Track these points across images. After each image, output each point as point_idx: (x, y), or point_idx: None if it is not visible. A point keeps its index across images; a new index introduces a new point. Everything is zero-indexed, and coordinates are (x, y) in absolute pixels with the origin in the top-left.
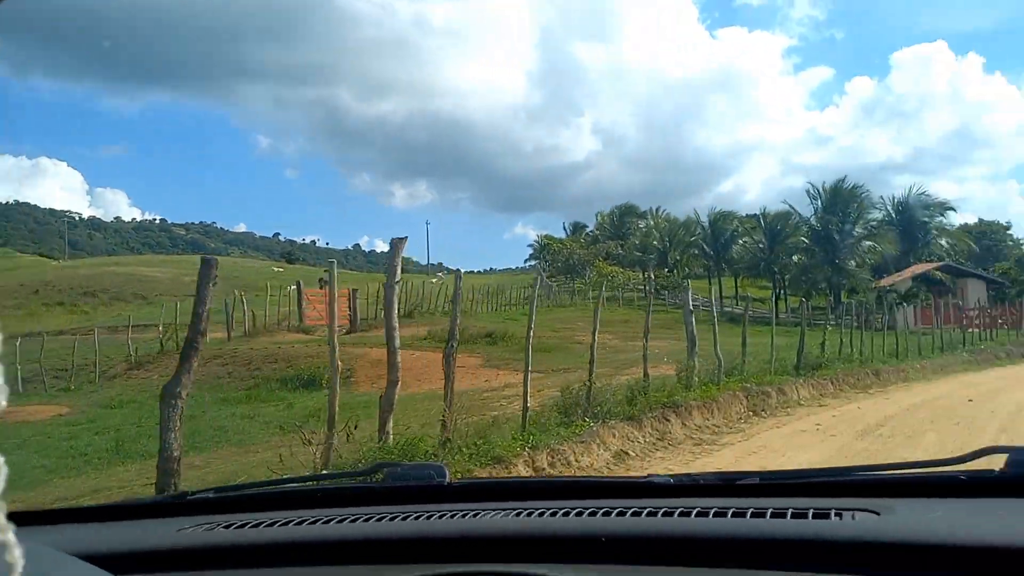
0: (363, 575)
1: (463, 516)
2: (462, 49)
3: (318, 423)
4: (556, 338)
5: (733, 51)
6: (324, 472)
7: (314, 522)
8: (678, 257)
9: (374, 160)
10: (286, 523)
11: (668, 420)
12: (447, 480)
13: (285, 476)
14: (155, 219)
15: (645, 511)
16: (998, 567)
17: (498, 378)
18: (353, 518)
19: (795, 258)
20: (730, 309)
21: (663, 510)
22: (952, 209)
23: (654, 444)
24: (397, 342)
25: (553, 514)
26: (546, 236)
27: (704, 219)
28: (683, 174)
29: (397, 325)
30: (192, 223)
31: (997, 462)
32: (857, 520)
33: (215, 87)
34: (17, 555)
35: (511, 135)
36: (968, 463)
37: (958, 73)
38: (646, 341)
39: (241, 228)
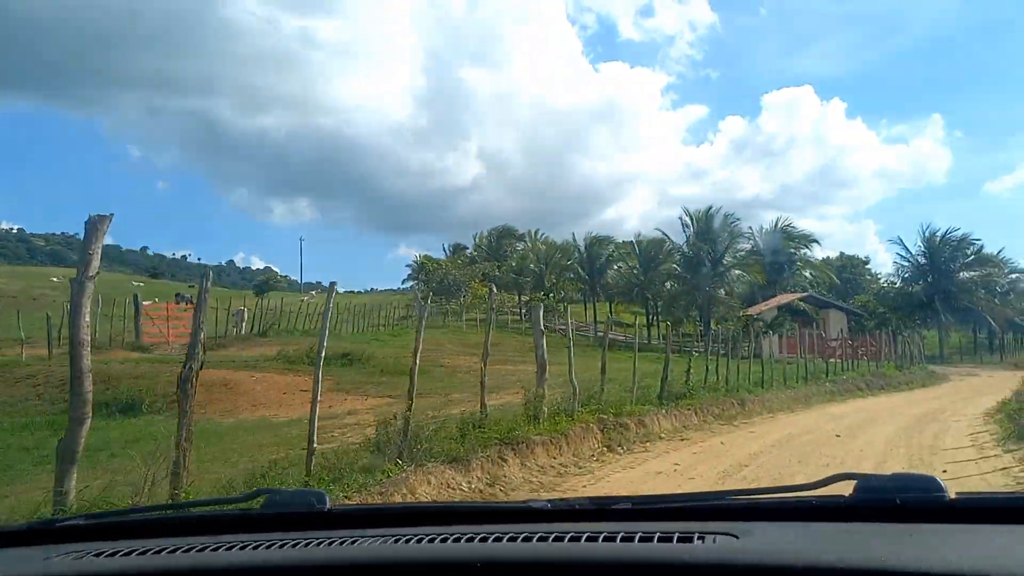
0: None
1: (342, 543)
2: (348, 68)
3: (108, 457)
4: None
5: (615, 85)
6: (200, 499)
7: (188, 550)
8: (554, 280)
9: (253, 175)
10: (159, 551)
11: (505, 460)
12: (327, 506)
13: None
14: (12, 228)
15: (521, 536)
16: None
17: (344, 403)
18: (229, 546)
19: (668, 285)
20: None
21: (538, 535)
22: (816, 242)
23: (482, 491)
24: (86, 361)
25: (431, 540)
26: (424, 256)
27: (581, 243)
28: (566, 201)
29: (87, 339)
30: (53, 234)
31: (847, 488)
32: (717, 543)
33: (84, 93)
34: None
35: (397, 156)
36: (822, 488)
37: (822, 117)
38: (484, 366)
39: (107, 241)
